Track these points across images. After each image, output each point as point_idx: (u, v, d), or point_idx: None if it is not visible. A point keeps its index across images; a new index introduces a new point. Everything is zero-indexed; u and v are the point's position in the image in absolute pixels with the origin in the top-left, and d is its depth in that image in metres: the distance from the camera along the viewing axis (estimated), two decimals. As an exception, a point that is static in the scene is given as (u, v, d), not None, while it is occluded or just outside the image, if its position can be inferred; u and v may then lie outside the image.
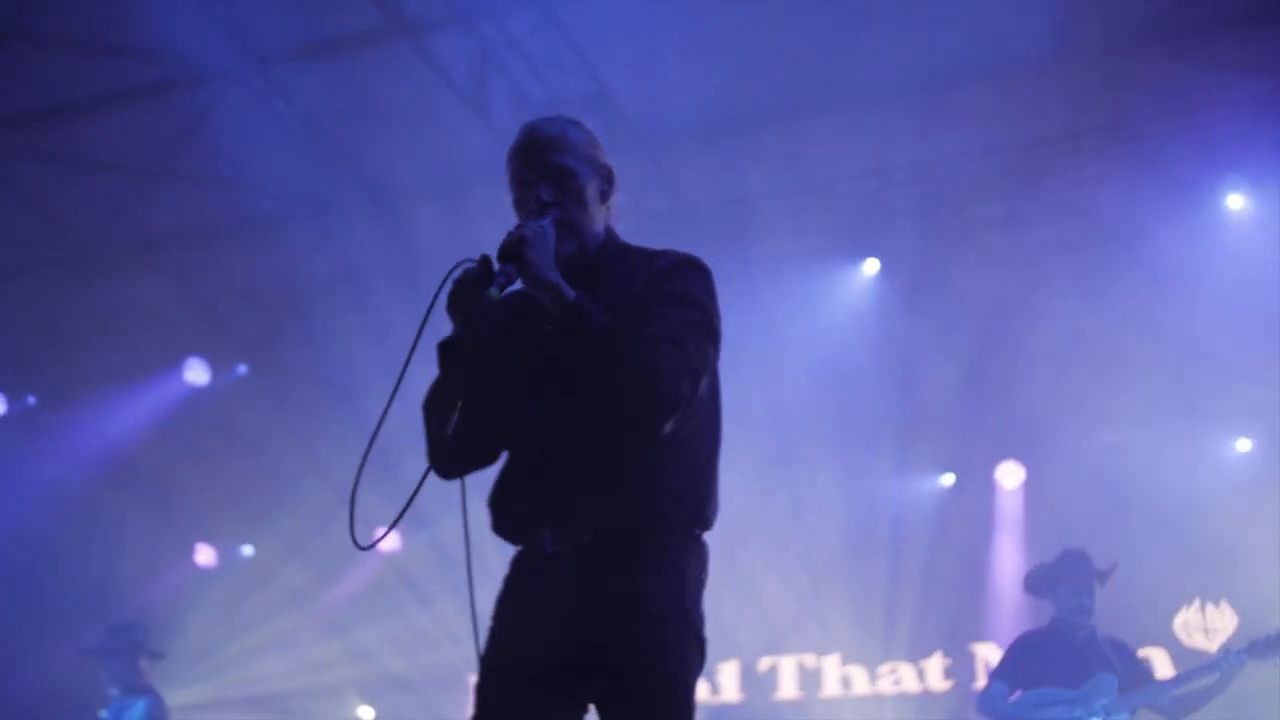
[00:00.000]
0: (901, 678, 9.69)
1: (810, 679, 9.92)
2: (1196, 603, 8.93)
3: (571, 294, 2.72)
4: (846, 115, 8.32)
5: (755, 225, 8.42)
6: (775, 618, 9.92)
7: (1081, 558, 6.88)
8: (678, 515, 2.84)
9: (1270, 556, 8.26)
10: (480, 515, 2.93)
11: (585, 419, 2.78)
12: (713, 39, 7.26)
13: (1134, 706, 6.49)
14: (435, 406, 2.90)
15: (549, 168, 2.94)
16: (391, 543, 10.82)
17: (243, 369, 10.53)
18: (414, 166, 8.30)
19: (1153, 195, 8.06)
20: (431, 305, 2.78)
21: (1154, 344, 8.18)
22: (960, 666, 9.48)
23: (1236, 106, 7.76)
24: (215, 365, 10.37)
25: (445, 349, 2.89)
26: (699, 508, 2.88)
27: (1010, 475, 9.44)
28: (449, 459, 2.91)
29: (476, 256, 2.79)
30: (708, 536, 2.94)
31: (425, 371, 2.95)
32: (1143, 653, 7.92)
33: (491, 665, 2.84)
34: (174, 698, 8.60)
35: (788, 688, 9.95)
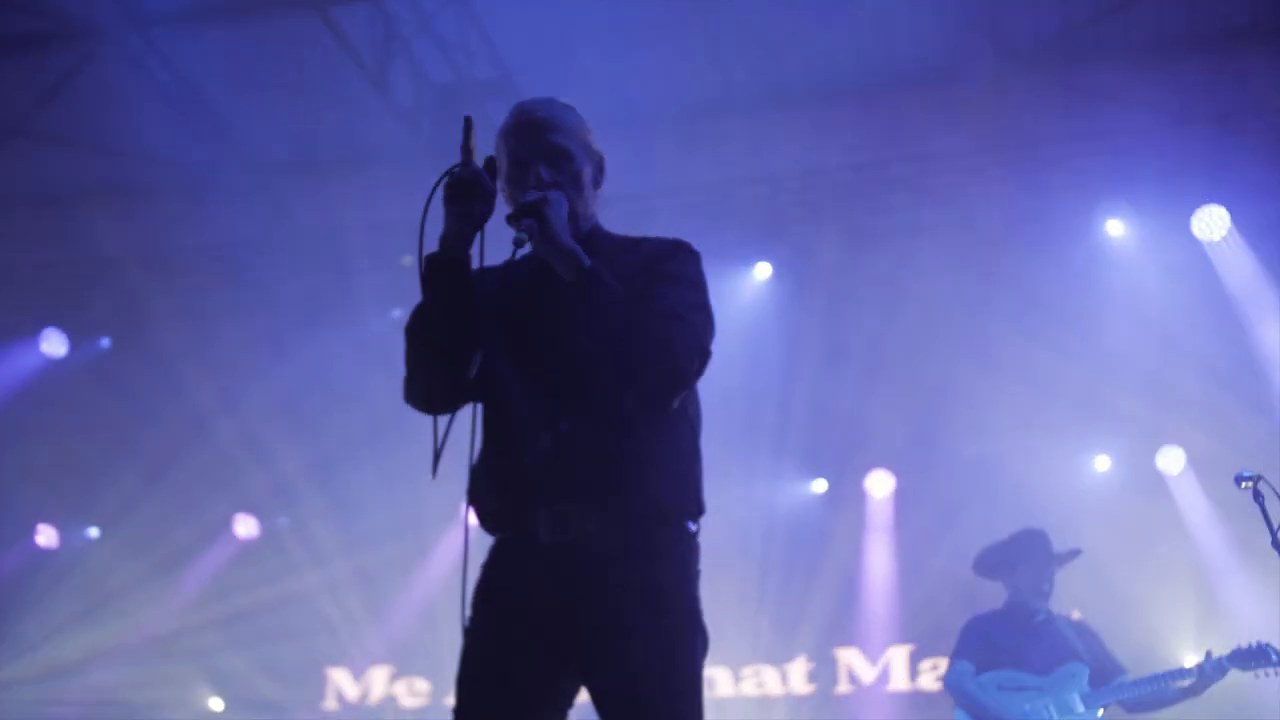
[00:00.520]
0: (764, 680, 9.74)
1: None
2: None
3: (588, 260, 2.69)
4: (741, 120, 8.37)
5: (647, 223, 8.33)
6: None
7: (1041, 538, 6.53)
8: (677, 504, 2.81)
9: (1128, 566, 8.54)
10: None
11: (587, 397, 2.72)
12: (619, 35, 7.22)
13: (1108, 702, 6.14)
14: (424, 327, 2.80)
15: (548, 148, 2.90)
16: (249, 529, 10.51)
17: (105, 342, 10.08)
18: (302, 142, 8.04)
19: (1034, 216, 8.28)
20: (426, 208, 2.74)
21: (1026, 360, 8.38)
22: (823, 671, 9.59)
23: (1117, 138, 8.04)
24: (75, 337, 9.89)
25: (435, 260, 2.79)
26: (695, 496, 2.85)
27: (880, 484, 9.55)
28: (432, 388, 2.81)
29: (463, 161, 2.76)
30: None
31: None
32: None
33: (478, 660, 2.74)
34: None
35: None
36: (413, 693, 10.31)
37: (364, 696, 10.41)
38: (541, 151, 2.88)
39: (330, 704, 10.38)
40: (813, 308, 8.85)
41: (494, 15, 7.19)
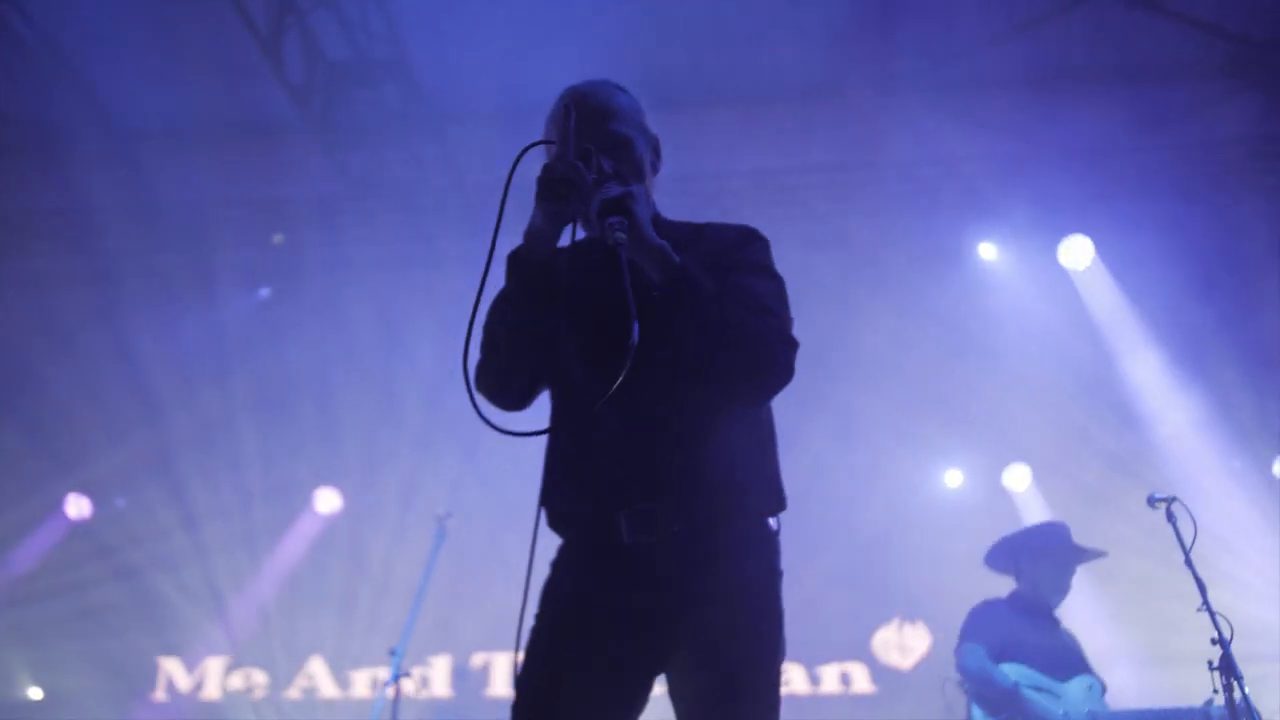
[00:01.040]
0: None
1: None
2: (895, 622, 9.47)
3: (677, 257, 2.56)
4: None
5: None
6: (492, 613, 9.78)
7: (1066, 531, 6.10)
8: (761, 501, 2.72)
9: (966, 581, 8.81)
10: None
11: (673, 395, 2.61)
12: (519, 25, 7.10)
13: None
14: (503, 316, 2.65)
15: (609, 136, 2.76)
16: (80, 510, 10.02)
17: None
18: (175, 110, 7.66)
19: (910, 234, 8.48)
20: (505, 193, 2.58)
21: (897, 374, 8.58)
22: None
23: (992, 162, 8.29)
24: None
25: (517, 258, 2.65)
26: (778, 491, 2.76)
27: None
28: (509, 379, 2.68)
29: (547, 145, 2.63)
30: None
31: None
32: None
33: (551, 663, 2.60)
34: None
35: (500, 685, 9.82)
36: (250, 684, 9.99)
37: (197, 688, 10.04)
38: (602, 140, 2.72)
39: (160, 695, 9.98)
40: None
41: (399, -6, 6.99)
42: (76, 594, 9.79)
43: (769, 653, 2.64)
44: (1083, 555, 6.08)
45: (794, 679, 9.32)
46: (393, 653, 5.82)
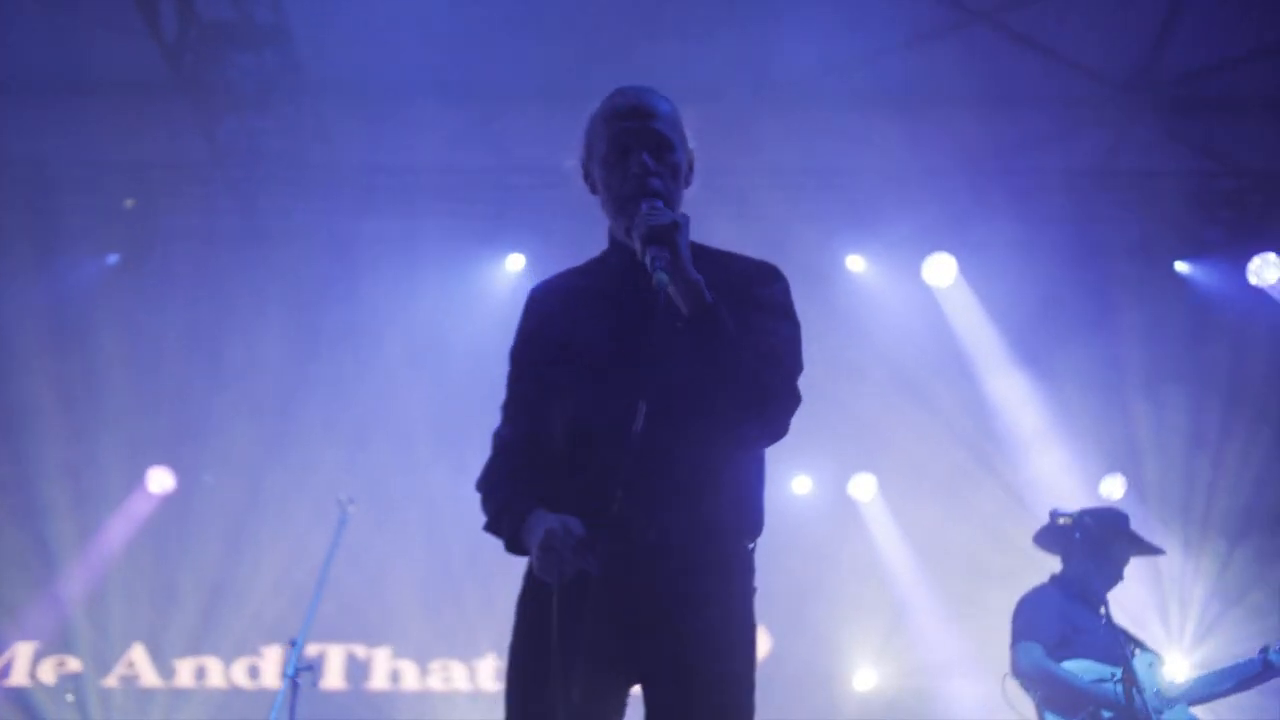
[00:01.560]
0: (452, 675, 9.61)
1: (358, 670, 9.60)
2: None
3: (710, 296, 2.64)
4: (481, 106, 8.15)
5: (412, 199, 8.08)
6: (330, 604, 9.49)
7: (1125, 520, 5.72)
8: (748, 523, 2.84)
9: (806, 585, 9.00)
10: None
11: (679, 424, 2.66)
12: (401, 6, 6.89)
13: (1194, 699, 5.34)
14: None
15: (655, 138, 2.84)
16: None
17: None
18: (25, 61, 7.19)
19: (772, 241, 8.53)
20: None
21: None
22: (509, 667, 9.52)
23: (860, 176, 8.45)
24: None
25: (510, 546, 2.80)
26: (760, 517, 2.88)
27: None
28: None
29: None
30: None
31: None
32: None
33: (534, 667, 2.63)
34: None
35: (334, 677, 9.56)
36: (61, 670, 9.47)
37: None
38: (648, 141, 2.82)
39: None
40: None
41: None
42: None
43: (745, 665, 2.72)
44: (1140, 546, 5.75)
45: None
46: (292, 644, 5.68)
